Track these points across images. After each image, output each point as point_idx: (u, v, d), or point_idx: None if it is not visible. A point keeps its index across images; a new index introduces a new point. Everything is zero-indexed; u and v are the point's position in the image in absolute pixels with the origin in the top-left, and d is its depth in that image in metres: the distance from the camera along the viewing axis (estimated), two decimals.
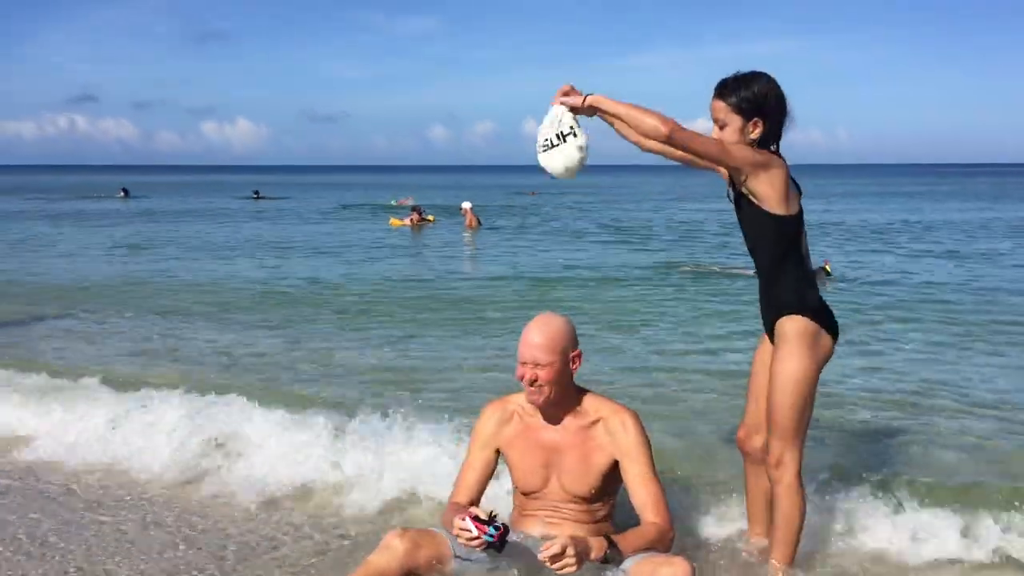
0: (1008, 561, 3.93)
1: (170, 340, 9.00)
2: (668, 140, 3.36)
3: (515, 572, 3.31)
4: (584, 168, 3.56)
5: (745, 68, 3.54)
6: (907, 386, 6.98)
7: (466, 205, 26.81)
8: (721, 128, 3.52)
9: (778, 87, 3.51)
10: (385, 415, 5.44)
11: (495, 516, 3.16)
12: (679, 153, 3.67)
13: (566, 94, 3.53)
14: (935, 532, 4.06)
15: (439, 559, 3.26)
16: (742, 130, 3.48)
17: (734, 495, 4.36)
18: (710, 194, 47.02)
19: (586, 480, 3.47)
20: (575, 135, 3.48)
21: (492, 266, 16.22)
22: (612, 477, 3.50)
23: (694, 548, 4.01)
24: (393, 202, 39.11)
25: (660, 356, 8.18)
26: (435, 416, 5.82)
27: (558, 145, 3.50)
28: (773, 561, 3.67)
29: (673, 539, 3.43)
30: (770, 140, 3.52)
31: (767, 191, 3.46)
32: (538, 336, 3.42)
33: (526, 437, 3.56)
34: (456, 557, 3.26)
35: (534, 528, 3.51)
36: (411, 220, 26.09)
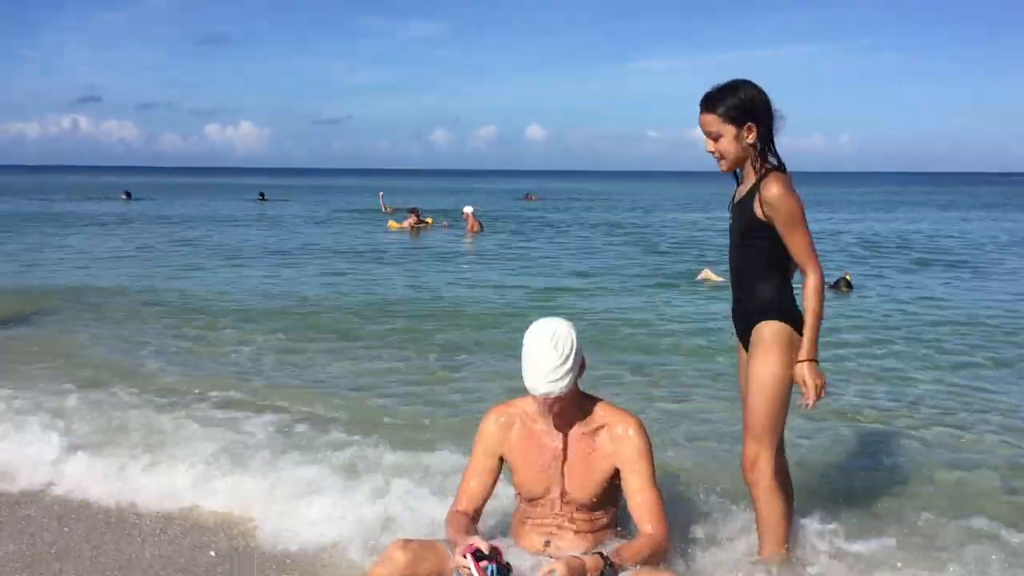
0: (1002, 571, 3.91)
1: (170, 344, 8.99)
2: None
3: None
4: None
5: (748, 74, 3.58)
6: (916, 396, 6.98)
7: (468, 210, 26.78)
8: (715, 140, 3.54)
9: (762, 90, 3.54)
10: (383, 421, 5.44)
11: (497, 551, 3.10)
12: None
13: None
14: (933, 540, 4.05)
15: (440, 571, 3.23)
16: (737, 137, 3.50)
17: (733, 504, 4.34)
18: (714, 201, 47.04)
19: (589, 487, 3.45)
20: None
21: (494, 271, 16.21)
22: (615, 484, 3.48)
23: (688, 557, 3.99)
24: (382, 210, 38.38)
25: (663, 364, 8.17)
26: (436, 422, 5.83)
27: None
28: (763, 563, 3.67)
29: (667, 550, 3.40)
30: (766, 142, 3.53)
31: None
32: (554, 374, 3.28)
33: (530, 443, 3.54)
34: (456, 573, 3.24)
35: (536, 536, 3.49)
36: (409, 224, 26.05)
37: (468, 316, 10.83)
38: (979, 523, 4.21)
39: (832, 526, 4.15)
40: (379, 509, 4.50)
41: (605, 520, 3.53)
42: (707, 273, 15.07)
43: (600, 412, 3.52)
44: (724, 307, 11.66)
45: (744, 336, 3.70)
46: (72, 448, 5.34)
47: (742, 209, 3.60)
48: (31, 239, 22.30)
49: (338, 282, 14.31)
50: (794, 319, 3.57)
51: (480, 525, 3.55)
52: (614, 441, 3.45)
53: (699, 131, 3.61)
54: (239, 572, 3.96)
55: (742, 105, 3.47)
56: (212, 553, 4.15)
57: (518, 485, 3.59)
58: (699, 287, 13.96)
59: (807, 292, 3.49)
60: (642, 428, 3.49)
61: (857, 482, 4.89)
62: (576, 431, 3.50)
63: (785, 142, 3.61)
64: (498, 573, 3.05)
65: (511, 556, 3.23)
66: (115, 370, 7.62)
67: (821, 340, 3.58)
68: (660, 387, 7.18)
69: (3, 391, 6.60)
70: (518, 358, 3.37)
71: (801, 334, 3.56)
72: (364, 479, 4.84)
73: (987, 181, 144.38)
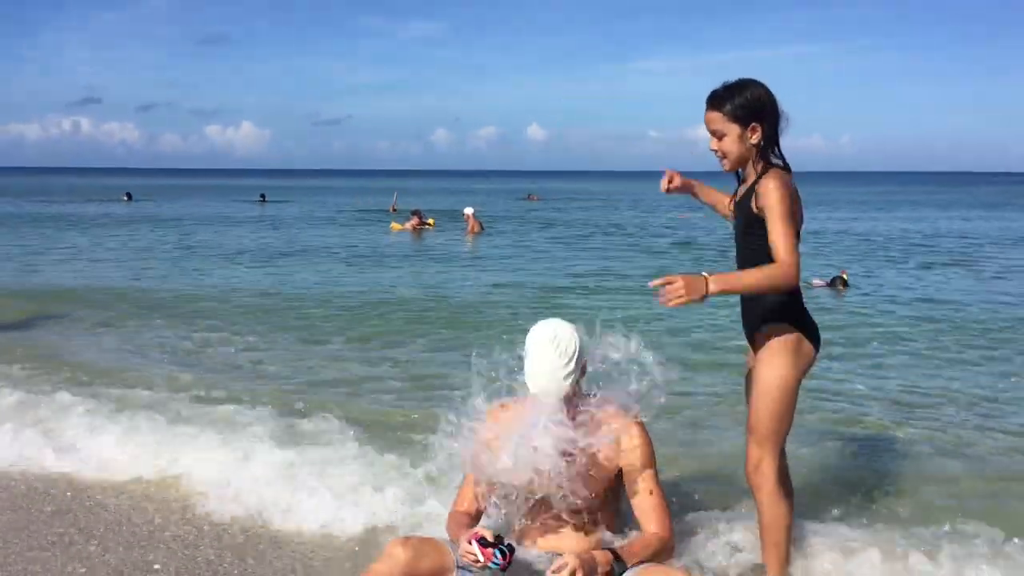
0: (1005, 571, 3.91)
1: (171, 344, 9.00)
2: (798, 274, 3.36)
3: None
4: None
5: (748, 74, 3.54)
6: (918, 396, 6.98)
7: (468, 211, 26.78)
8: (720, 138, 3.52)
9: (768, 90, 3.50)
10: (385, 421, 5.44)
11: (502, 538, 3.13)
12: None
13: (690, 286, 3.37)
14: (934, 542, 4.04)
15: (441, 568, 3.23)
16: (741, 137, 3.48)
17: (734, 505, 4.35)
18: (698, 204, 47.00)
19: (590, 488, 3.44)
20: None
21: (494, 272, 16.21)
22: (616, 486, 3.48)
23: (694, 558, 3.99)
24: (389, 208, 38.81)
25: (664, 364, 8.15)
26: (435, 423, 5.83)
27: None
28: (768, 571, 3.67)
29: (673, 548, 3.41)
30: (771, 142, 3.51)
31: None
32: (551, 375, 3.31)
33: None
34: (458, 568, 3.24)
35: (536, 536, 3.48)
36: (411, 225, 26.06)
37: (468, 316, 10.84)
38: (980, 526, 4.19)
39: (833, 527, 4.15)
40: (377, 506, 4.52)
41: (606, 521, 3.52)
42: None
43: (601, 413, 3.52)
44: (721, 307, 11.65)
45: (752, 338, 3.68)
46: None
47: (742, 208, 3.59)
48: (31, 240, 22.32)
49: (338, 282, 14.32)
50: (802, 323, 3.56)
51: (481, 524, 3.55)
52: (616, 442, 3.45)
53: (701, 130, 3.59)
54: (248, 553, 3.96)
55: (749, 105, 3.45)
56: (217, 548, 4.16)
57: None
58: None
59: (772, 267, 3.32)
60: (643, 429, 3.49)
61: (856, 483, 4.88)
62: (577, 432, 3.49)
63: (785, 142, 3.58)
64: (503, 557, 3.07)
65: (519, 554, 3.25)
66: (111, 370, 7.62)
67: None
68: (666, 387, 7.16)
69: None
70: (518, 358, 3.37)
71: (810, 340, 3.55)
72: (361, 476, 4.84)
73: (987, 181, 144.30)
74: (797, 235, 3.49)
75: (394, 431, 5.62)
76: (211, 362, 8.20)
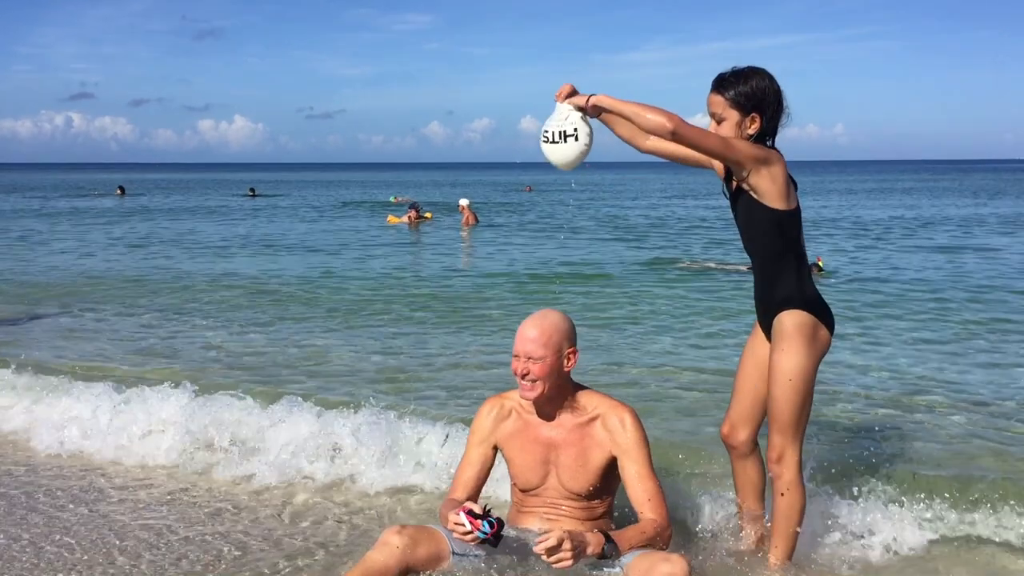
0: (1004, 556, 3.94)
1: (166, 337, 8.99)
2: (673, 136, 3.34)
3: (512, 568, 3.31)
4: (582, 165, 3.57)
5: (741, 64, 3.55)
6: (901, 382, 7.00)
7: (463, 202, 26.80)
8: (718, 123, 3.53)
9: (775, 83, 3.52)
10: (381, 412, 5.45)
11: (490, 510, 3.16)
12: (676, 152, 3.69)
13: (569, 94, 3.52)
14: (932, 528, 4.06)
15: (437, 556, 3.26)
16: (739, 125, 3.49)
17: (731, 491, 4.36)
18: (707, 191, 47.07)
19: (584, 477, 3.47)
20: (576, 138, 3.47)
21: (489, 263, 16.22)
22: (610, 474, 3.51)
23: (691, 544, 4.02)
24: (392, 199, 39.10)
25: (655, 352, 8.19)
26: (432, 413, 5.84)
27: (558, 143, 3.50)
28: (771, 557, 3.68)
29: (671, 536, 3.44)
30: (767, 135, 3.53)
31: (768, 186, 3.46)
32: (533, 330, 3.42)
33: (524, 434, 3.56)
34: (454, 554, 3.27)
35: (533, 525, 3.51)
36: (408, 217, 26.07)
37: (463, 308, 10.84)
38: (983, 514, 4.20)
39: (833, 516, 4.17)
40: (373, 498, 4.55)
41: (601, 509, 3.55)
42: (693, 263, 15.34)
43: (594, 402, 3.55)
44: (712, 292, 11.62)
45: (766, 323, 3.68)
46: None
47: (728, 182, 3.63)
48: (24, 235, 22.26)
49: (334, 274, 14.30)
50: (817, 309, 3.56)
51: None
52: (608, 431, 3.48)
53: (695, 120, 3.60)
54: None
55: (752, 94, 3.46)
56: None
57: (513, 475, 3.61)
58: (695, 274, 14.01)
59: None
60: (636, 417, 3.52)
61: (855, 470, 4.90)
62: (569, 421, 3.52)
63: (782, 131, 3.60)
64: (491, 527, 3.11)
65: (510, 532, 3.28)
66: (111, 358, 7.64)
67: None
68: (652, 376, 7.18)
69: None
70: (512, 350, 3.41)
71: (824, 322, 3.57)
72: (358, 470, 4.87)
73: (980, 168, 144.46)
74: (794, 213, 3.52)
75: (387, 420, 5.63)
76: (201, 351, 8.20)
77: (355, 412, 5.45)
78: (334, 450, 5.10)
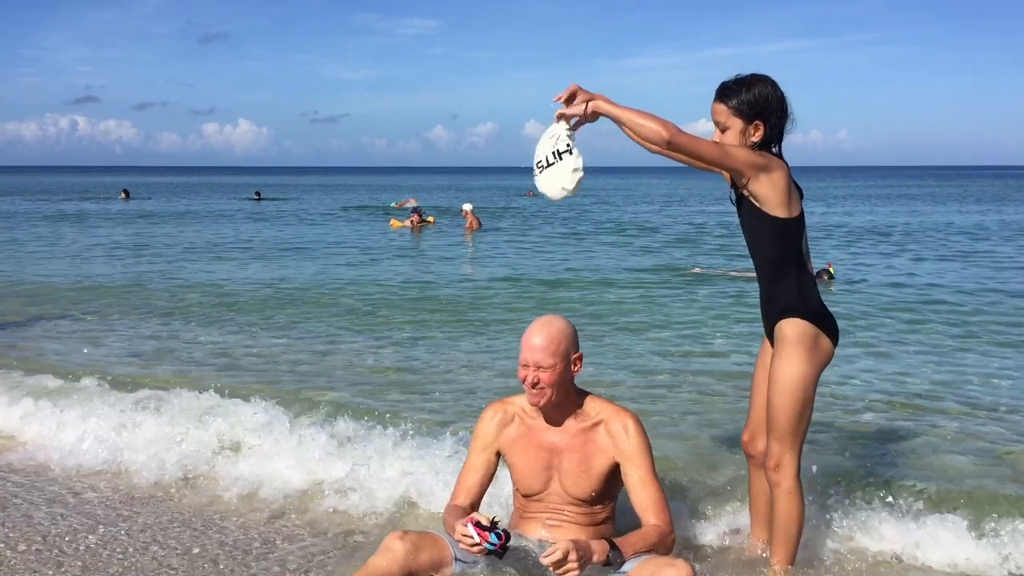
0: (1016, 568, 3.91)
1: (171, 341, 9.00)
2: (668, 145, 3.36)
3: (516, 575, 3.31)
4: (581, 189, 3.52)
5: (744, 70, 3.54)
6: (911, 389, 6.97)
7: (467, 207, 26.82)
8: (723, 131, 3.53)
9: (779, 89, 3.51)
10: (385, 417, 5.45)
11: (497, 523, 3.16)
12: (682, 155, 3.69)
13: (572, 95, 3.50)
14: (940, 537, 4.04)
15: (439, 562, 3.25)
16: (743, 132, 3.48)
17: (734, 498, 4.36)
18: (712, 196, 47.04)
19: (587, 482, 3.46)
20: (571, 152, 3.44)
21: (493, 268, 16.21)
22: (613, 480, 3.50)
23: (694, 550, 4.01)
24: (393, 204, 39.13)
25: (661, 359, 8.17)
26: (435, 418, 5.84)
27: (554, 163, 3.47)
28: (774, 564, 3.67)
29: (674, 541, 3.43)
30: (771, 142, 3.53)
31: (768, 193, 3.46)
32: (540, 338, 3.41)
33: (527, 439, 3.55)
34: (456, 560, 3.26)
35: (535, 530, 3.50)
36: (411, 222, 26.09)
37: (466, 312, 10.83)
38: (987, 522, 4.18)
39: (831, 521, 4.16)
40: (372, 499, 4.54)
41: (604, 515, 3.55)
42: (699, 269, 15.23)
43: (597, 408, 3.54)
44: (719, 299, 11.60)
45: (769, 330, 3.67)
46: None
47: (739, 199, 3.63)
48: (28, 238, 22.29)
49: (337, 278, 14.31)
50: (818, 316, 3.55)
51: None
52: (612, 437, 3.47)
53: (698, 126, 3.61)
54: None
55: (755, 102, 3.46)
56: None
57: (516, 481, 3.60)
58: (698, 280, 13.98)
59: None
60: (639, 423, 3.51)
61: (851, 476, 4.87)
62: (573, 427, 3.51)
63: (786, 137, 3.60)
64: (498, 539, 3.10)
65: (515, 542, 3.27)
66: (111, 364, 7.63)
67: None
68: (658, 383, 7.17)
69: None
70: (516, 354, 3.39)
71: (826, 332, 3.56)
72: (358, 471, 4.86)
73: (985, 174, 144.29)
74: (796, 221, 3.51)
75: (390, 425, 5.63)
76: (205, 357, 8.19)
77: (356, 415, 5.46)
78: (334, 458, 5.07)
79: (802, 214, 3.58)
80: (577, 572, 3.02)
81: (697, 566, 3.31)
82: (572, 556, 3.01)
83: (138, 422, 5.71)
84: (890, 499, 4.36)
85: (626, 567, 3.17)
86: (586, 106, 3.46)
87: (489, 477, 3.64)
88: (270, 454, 5.18)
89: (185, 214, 34.23)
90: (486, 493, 3.69)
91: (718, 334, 9.34)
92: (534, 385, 3.41)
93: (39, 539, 4.25)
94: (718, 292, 12.58)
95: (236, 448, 5.33)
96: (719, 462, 4.97)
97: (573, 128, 3.51)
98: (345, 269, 15.92)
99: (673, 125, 3.32)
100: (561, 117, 3.51)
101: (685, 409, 6.33)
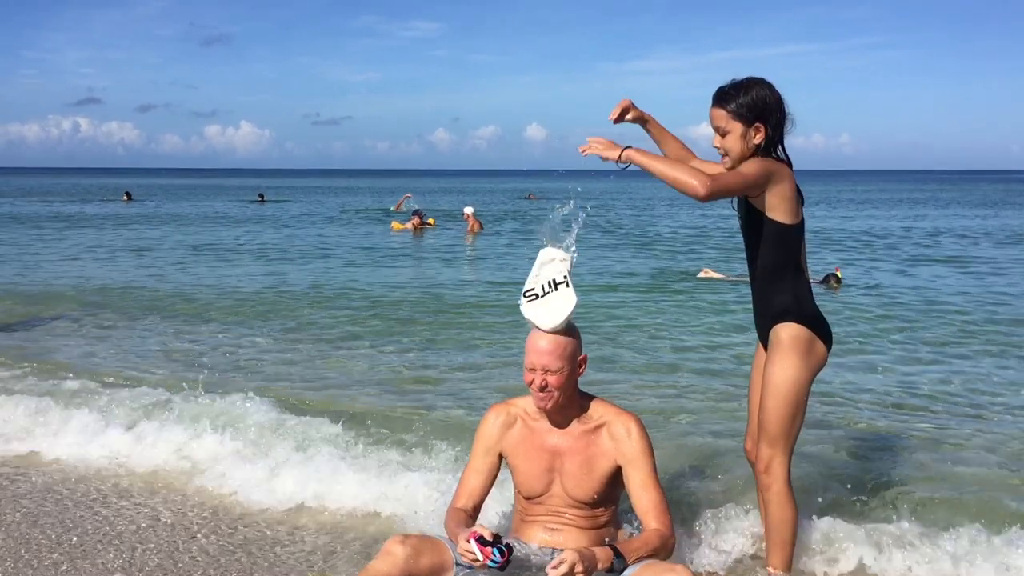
0: (999, 566, 3.91)
1: (173, 343, 9.01)
2: (706, 200, 3.34)
3: None
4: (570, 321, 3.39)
5: (746, 74, 3.54)
6: (913, 393, 6.98)
7: (468, 210, 26.84)
8: (723, 135, 3.53)
9: (775, 91, 3.51)
10: (387, 418, 5.45)
11: (500, 537, 3.14)
12: None
13: (624, 110, 3.64)
14: (937, 542, 4.03)
15: (440, 566, 3.24)
16: (744, 136, 3.48)
17: (733, 502, 4.35)
18: (715, 203, 46.96)
19: (589, 485, 3.45)
20: (567, 285, 3.38)
21: (494, 271, 16.22)
22: (615, 482, 3.49)
23: (694, 555, 4.00)
24: (392, 208, 39.02)
25: (663, 363, 8.17)
26: (437, 420, 5.84)
27: (548, 294, 3.38)
28: (769, 568, 3.68)
29: (675, 545, 3.42)
30: (773, 144, 3.52)
31: (778, 202, 3.47)
32: (547, 342, 3.40)
33: (530, 441, 3.54)
34: (457, 565, 3.25)
35: (536, 534, 3.49)
36: (412, 224, 26.10)
37: (468, 315, 10.84)
38: (976, 522, 4.18)
39: (830, 524, 4.15)
40: (377, 502, 4.54)
41: (605, 518, 3.54)
42: (707, 272, 15.13)
43: (600, 410, 3.53)
44: (722, 304, 11.59)
45: (764, 335, 3.68)
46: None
47: (742, 203, 3.62)
48: (31, 240, 22.32)
49: (339, 281, 14.32)
50: (814, 323, 3.56)
51: (480, 521, 3.56)
52: (614, 440, 3.46)
53: (700, 129, 3.60)
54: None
55: (753, 105, 3.46)
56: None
57: (518, 483, 3.60)
58: (700, 285, 13.97)
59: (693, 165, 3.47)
60: (641, 426, 3.50)
61: (854, 480, 4.88)
62: (575, 429, 3.51)
63: (788, 141, 3.59)
64: (501, 556, 3.09)
65: (516, 546, 3.26)
66: (110, 368, 7.64)
67: None
68: (659, 385, 7.18)
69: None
70: (518, 356, 3.37)
71: (821, 336, 3.56)
72: (359, 473, 4.86)
73: (987, 179, 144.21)
74: (799, 227, 3.52)
75: (391, 427, 5.63)
76: (210, 360, 8.19)
77: (357, 417, 5.46)
78: (336, 460, 5.08)
79: (803, 220, 3.59)
80: None
81: (696, 570, 3.30)
82: (578, 568, 3.00)
83: (145, 424, 5.72)
84: (890, 504, 4.36)
85: (626, 573, 3.16)
86: (620, 154, 3.45)
87: (491, 480, 3.63)
88: (271, 457, 5.18)
89: (188, 216, 34.25)
90: (488, 496, 3.68)
91: (721, 339, 9.34)
92: (542, 388, 3.40)
93: (30, 536, 4.25)
94: (721, 297, 12.58)
95: (236, 451, 5.33)
96: (721, 467, 4.96)
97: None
98: (346, 271, 15.93)
99: (705, 178, 3.30)
100: (590, 149, 3.49)
101: (686, 413, 6.33)
